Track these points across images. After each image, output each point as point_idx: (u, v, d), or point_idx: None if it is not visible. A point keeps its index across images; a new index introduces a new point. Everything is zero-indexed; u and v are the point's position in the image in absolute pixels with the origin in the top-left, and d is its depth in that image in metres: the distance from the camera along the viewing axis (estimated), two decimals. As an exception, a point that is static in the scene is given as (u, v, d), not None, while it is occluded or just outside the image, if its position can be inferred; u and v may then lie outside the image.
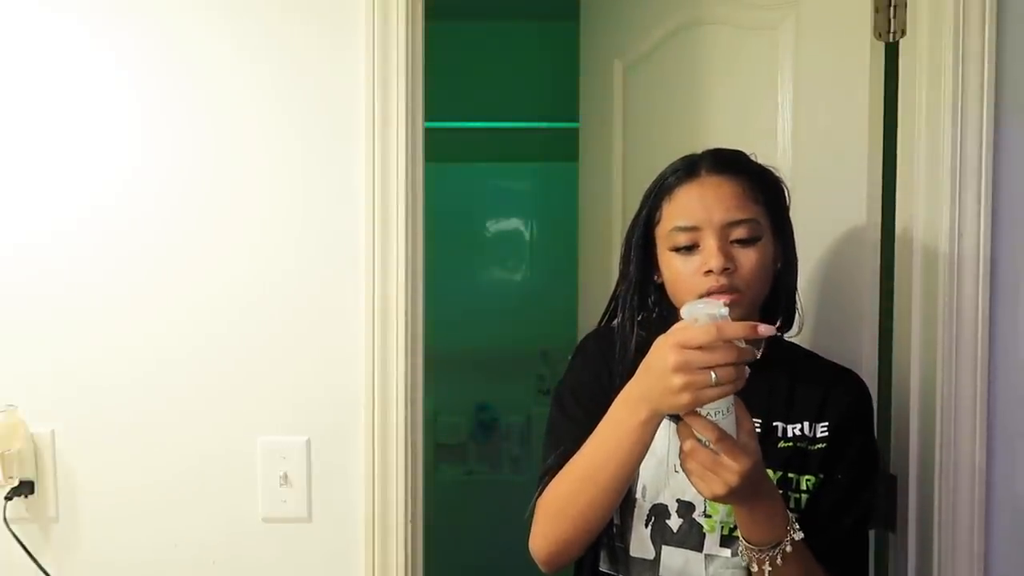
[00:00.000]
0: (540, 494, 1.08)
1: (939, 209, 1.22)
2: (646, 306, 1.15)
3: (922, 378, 1.27)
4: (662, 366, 0.86)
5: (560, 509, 1.04)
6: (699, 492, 0.91)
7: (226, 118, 1.25)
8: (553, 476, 1.07)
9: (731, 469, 0.87)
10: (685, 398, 0.85)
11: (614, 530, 1.10)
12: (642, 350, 1.08)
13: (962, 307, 1.22)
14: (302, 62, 1.25)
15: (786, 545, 0.96)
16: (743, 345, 0.85)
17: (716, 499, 0.91)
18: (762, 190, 1.09)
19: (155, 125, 1.25)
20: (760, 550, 0.97)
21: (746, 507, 0.95)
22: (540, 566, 1.10)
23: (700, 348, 0.84)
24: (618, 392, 0.98)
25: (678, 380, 0.84)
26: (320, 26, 1.25)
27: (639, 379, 0.93)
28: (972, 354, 1.22)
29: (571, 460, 1.03)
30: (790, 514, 0.99)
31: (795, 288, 1.16)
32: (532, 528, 1.08)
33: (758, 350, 0.96)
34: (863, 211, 1.36)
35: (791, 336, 1.19)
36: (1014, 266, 1.23)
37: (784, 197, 1.14)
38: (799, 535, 0.97)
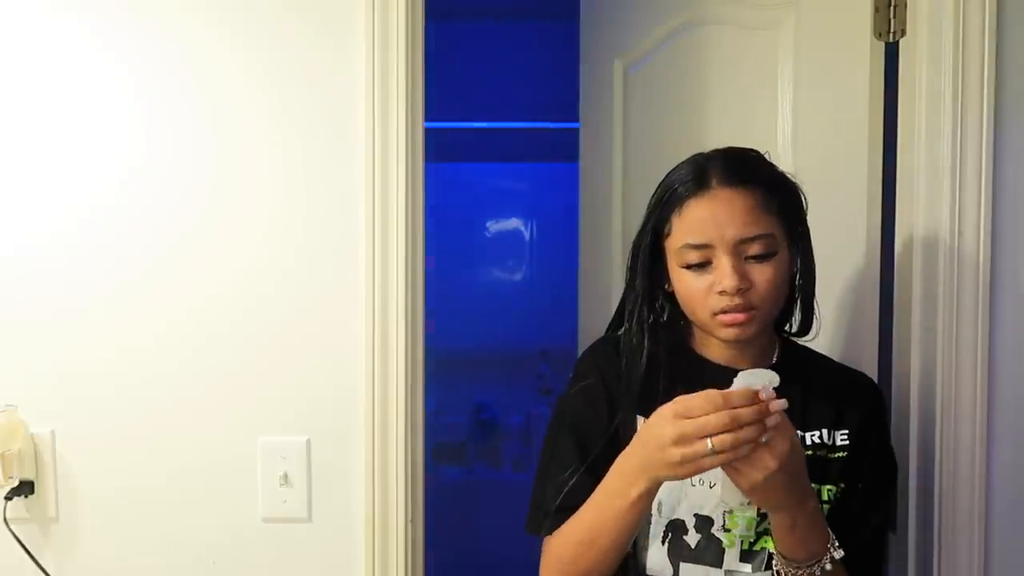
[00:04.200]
0: (546, 535, 1.08)
1: (939, 208, 1.22)
2: (655, 311, 1.12)
3: (922, 378, 1.26)
4: (660, 440, 0.89)
5: (564, 568, 1.05)
6: (739, 484, 0.90)
7: (226, 118, 1.25)
8: (554, 519, 1.06)
9: (769, 454, 0.87)
10: (685, 470, 0.88)
11: (630, 549, 1.09)
12: (653, 360, 1.08)
13: (962, 306, 1.22)
14: (302, 61, 1.25)
15: (826, 563, 0.96)
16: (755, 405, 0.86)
17: (754, 489, 0.89)
18: (776, 199, 1.05)
19: (155, 124, 1.25)
20: (798, 566, 0.96)
21: (786, 513, 0.94)
22: None
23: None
24: (621, 425, 1.01)
25: (676, 453, 0.87)
26: (320, 26, 1.24)
27: (635, 451, 0.94)
28: (972, 354, 1.22)
29: (573, 520, 1.04)
30: (830, 531, 0.98)
31: (813, 294, 1.12)
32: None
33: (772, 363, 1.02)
34: (863, 211, 1.36)
35: (807, 341, 1.16)
36: (1014, 265, 1.23)
37: (800, 202, 1.09)
38: (839, 553, 0.97)
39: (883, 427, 1.14)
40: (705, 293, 1.03)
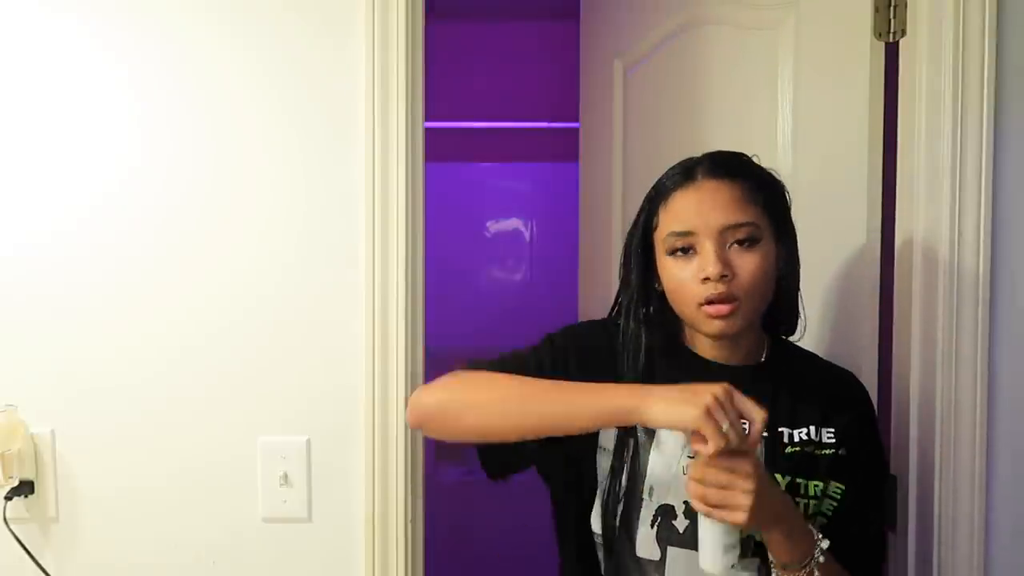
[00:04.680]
0: (469, 366, 1.09)
1: (939, 208, 1.22)
2: (648, 306, 1.14)
3: (922, 379, 1.26)
4: (705, 388, 0.92)
5: (489, 388, 1.04)
6: (729, 521, 0.93)
7: (226, 118, 1.25)
8: (487, 368, 1.08)
9: (743, 481, 0.91)
10: (691, 413, 0.90)
11: (615, 534, 1.10)
12: (649, 354, 1.09)
13: (962, 307, 1.22)
14: (302, 61, 1.25)
15: (819, 556, 0.98)
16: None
17: (746, 519, 0.92)
18: (762, 193, 1.07)
19: (154, 124, 1.25)
20: (796, 568, 0.98)
21: (776, 527, 0.98)
22: (411, 414, 1.09)
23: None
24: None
25: (708, 399, 0.90)
26: (320, 26, 1.25)
27: (653, 387, 0.97)
28: (972, 354, 1.22)
29: (520, 378, 1.04)
30: (811, 526, 1.01)
31: (798, 292, 1.15)
32: (433, 382, 1.08)
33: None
34: (863, 211, 1.36)
35: (794, 340, 1.19)
36: (1013, 266, 1.23)
37: (785, 200, 1.12)
38: (825, 543, 1.00)
39: (872, 427, 1.15)
40: (690, 283, 1.05)
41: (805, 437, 1.10)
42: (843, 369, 1.19)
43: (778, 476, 1.07)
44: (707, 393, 0.91)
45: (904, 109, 1.29)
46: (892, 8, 1.31)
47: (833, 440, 1.10)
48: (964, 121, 1.20)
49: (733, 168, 1.08)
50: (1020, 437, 1.24)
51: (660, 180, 1.11)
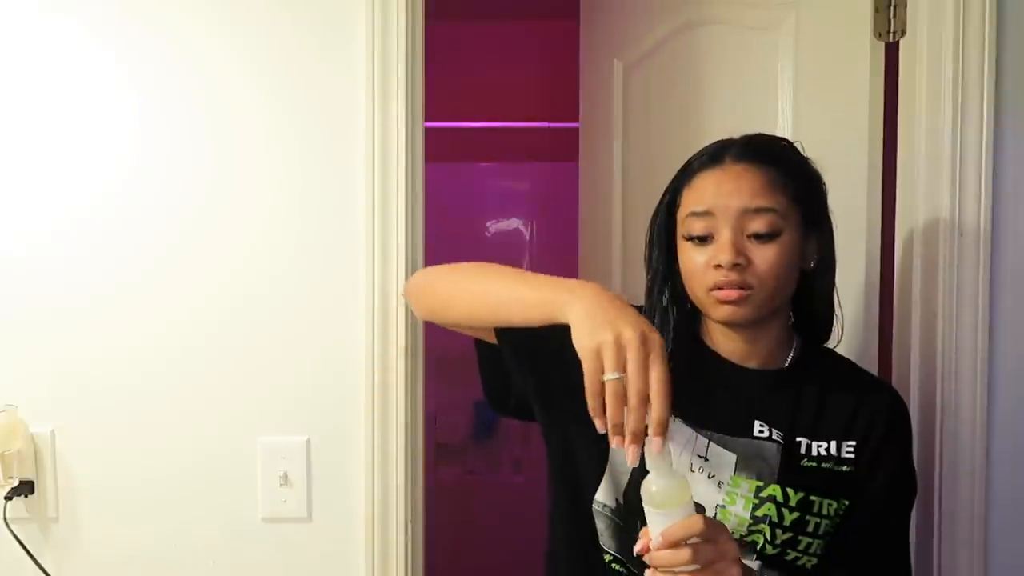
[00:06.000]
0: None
1: (939, 209, 1.23)
2: (673, 291, 1.09)
3: (922, 377, 1.27)
4: (625, 320, 0.85)
5: (458, 271, 1.07)
6: None
7: (225, 118, 1.25)
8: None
9: None
10: (594, 338, 0.85)
11: (624, 511, 1.06)
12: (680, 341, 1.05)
13: (962, 306, 1.22)
14: (302, 62, 1.25)
15: None
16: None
17: None
18: (794, 183, 1.02)
19: (154, 124, 1.25)
20: None
21: None
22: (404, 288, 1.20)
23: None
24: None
25: (608, 336, 0.84)
26: (320, 26, 1.25)
27: (586, 290, 0.91)
28: (972, 354, 1.22)
29: (494, 270, 1.03)
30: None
31: (832, 292, 1.10)
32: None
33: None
34: (863, 211, 1.36)
35: (831, 345, 1.14)
36: (1014, 266, 1.23)
37: (821, 194, 1.07)
38: None
39: (899, 444, 1.08)
40: (703, 269, 1.01)
41: (824, 452, 1.04)
42: (882, 382, 1.13)
43: (791, 490, 1.02)
44: (614, 333, 0.84)
45: (904, 109, 1.30)
46: (892, 8, 1.31)
47: (852, 455, 1.04)
48: (963, 121, 1.21)
49: (763, 154, 1.03)
50: (1020, 435, 1.24)
51: (690, 159, 1.07)
